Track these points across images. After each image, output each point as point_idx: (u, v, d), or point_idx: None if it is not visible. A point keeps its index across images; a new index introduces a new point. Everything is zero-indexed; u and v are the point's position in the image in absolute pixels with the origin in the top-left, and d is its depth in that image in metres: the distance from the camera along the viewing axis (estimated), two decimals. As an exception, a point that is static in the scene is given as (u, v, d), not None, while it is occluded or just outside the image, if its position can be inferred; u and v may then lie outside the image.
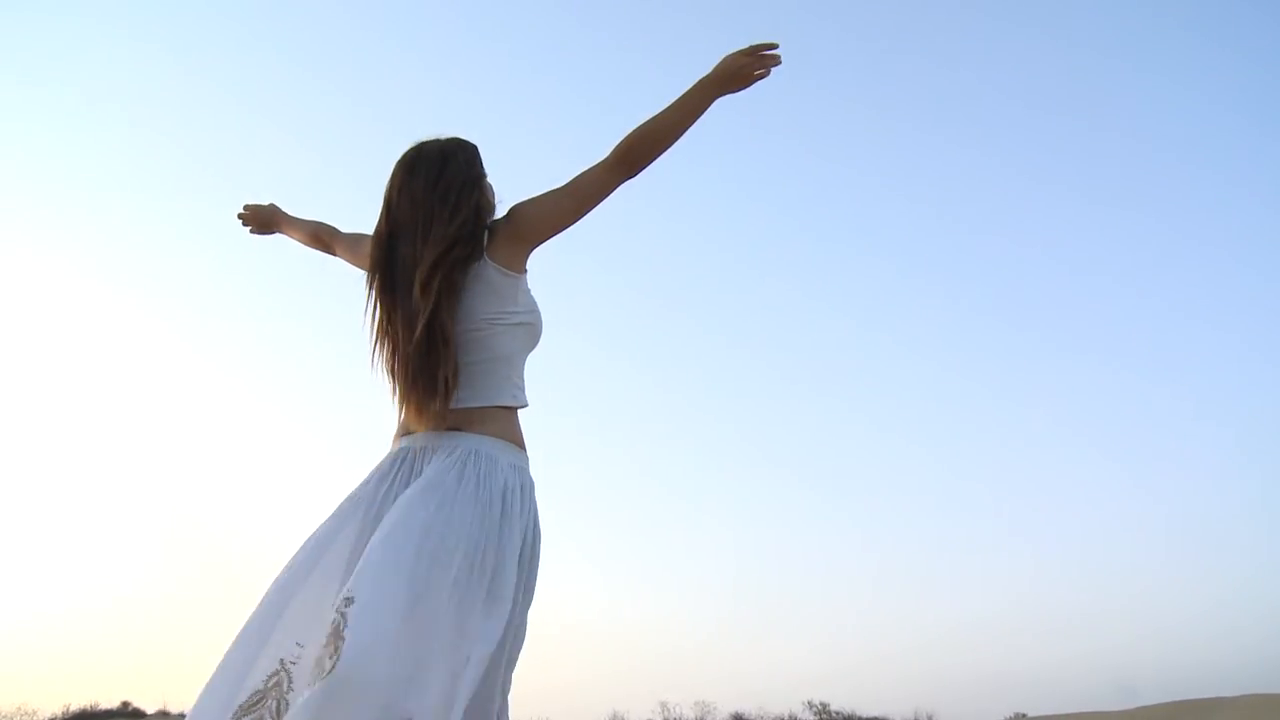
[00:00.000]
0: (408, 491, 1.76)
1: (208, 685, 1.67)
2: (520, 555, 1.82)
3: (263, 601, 1.74)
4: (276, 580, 1.77)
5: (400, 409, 1.87)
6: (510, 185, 2.01)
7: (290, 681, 1.64)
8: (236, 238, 2.54)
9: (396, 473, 1.84)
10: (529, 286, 1.95)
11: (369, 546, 1.67)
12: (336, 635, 1.55)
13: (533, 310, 1.94)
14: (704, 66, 2.00)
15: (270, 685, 1.64)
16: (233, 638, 1.71)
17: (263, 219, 2.53)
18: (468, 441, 1.83)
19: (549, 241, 1.94)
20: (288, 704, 1.62)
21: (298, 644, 1.67)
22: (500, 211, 1.97)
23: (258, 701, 1.63)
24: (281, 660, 1.66)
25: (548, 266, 2.01)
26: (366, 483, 1.86)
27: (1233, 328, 27.45)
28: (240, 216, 2.55)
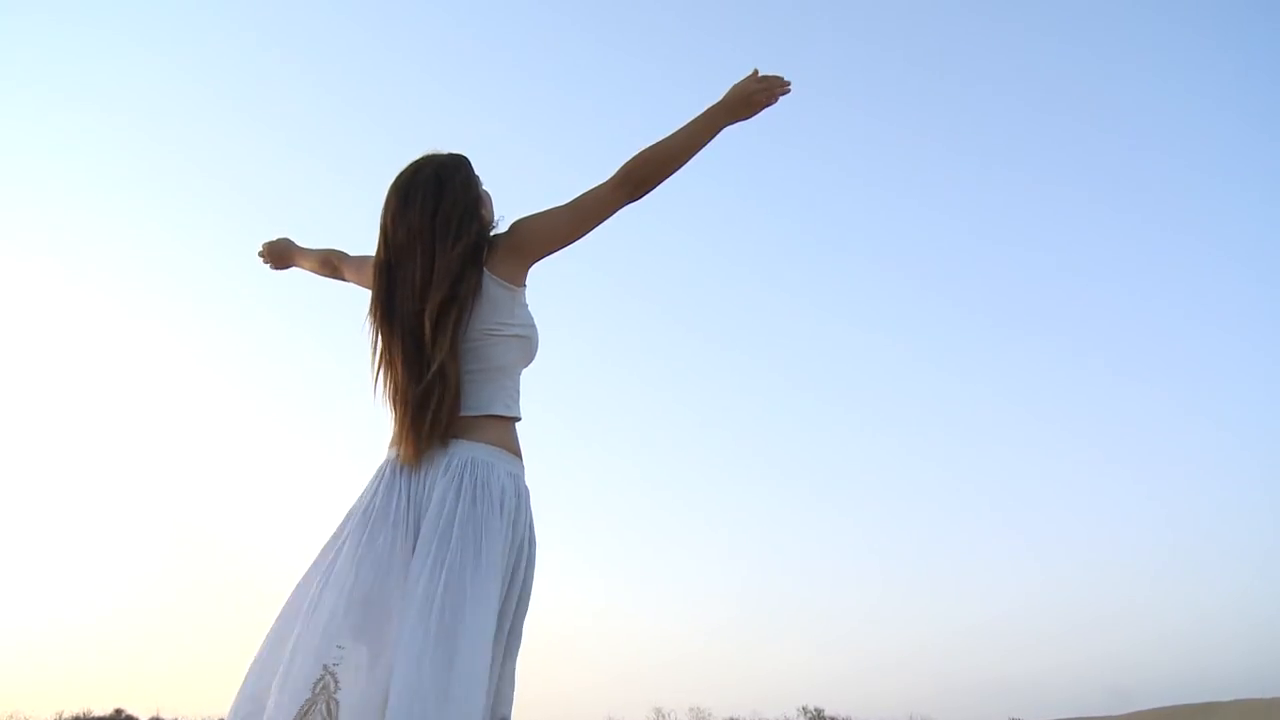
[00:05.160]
0: (422, 539, 1.78)
1: (250, 695, 1.73)
2: (517, 563, 1.85)
3: (281, 621, 1.80)
4: (291, 602, 1.82)
5: (400, 443, 1.87)
6: (516, 195, 2.02)
7: (336, 682, 1.69)
8: (252, 248, 2.59)
9: (399, 484, 1.86)
10: (527, 302, 1.97)
11: (403, 617, 1.70)
12: (383, 708, 1.64)
13: (529, 325, 1.95)
14: (715, 77, 2.03)
15: (318, 691, 1.68)
16: (256, 658, 1.77)
17: (278, 254, 2.56)
18: (464, 450, 1.85)
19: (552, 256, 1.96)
20: (338, 703, 1.67)
21: (339, 646, 1.71)
22: (503, 225, 1.98)
23: (309, 709, 1.66)
24: (325, 665, 1.69)
25: (560, 274, 2.02)
26: (373, 494, 1.87)
27: (1228, 331, 27.56)
28: (260, 255, 2.58)
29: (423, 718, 1.60)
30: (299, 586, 1.83)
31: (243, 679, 1.76)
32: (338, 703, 1.67)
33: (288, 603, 1.82)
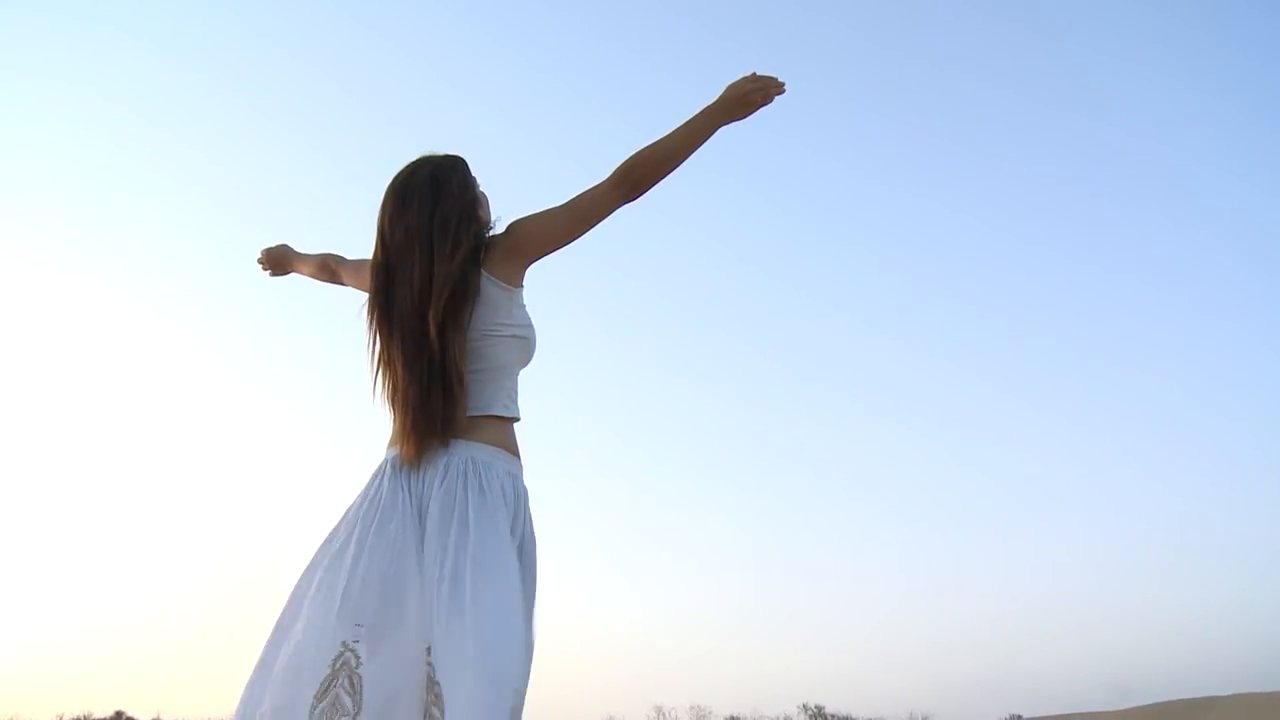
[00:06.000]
0: (430, 529, 1.79)
1: (261, 683, 1.72)
2: (520, 563, 1.84)
3: (289, 606, 1.80)
4: (300, 587, 1.82)
5: (400, 443, 1.88)
6: (515, 195, 2.01)
7: (358, 658, 1.70)
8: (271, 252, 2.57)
9: (400, 481, 1.86)
10: (524, 302, 1.98)
11: (436, 597, 1.72)
12: (433, 686, 1.67)
13: (527, 325, 1.96)
14: (716, 75, 2.03)
15: (338, 667, 1.70)
16: (268, 644, 1.78)
17: (276, 260, 2.55)
18: (463, 450, 1.86)
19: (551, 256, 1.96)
20: (361, 678, 1.68)
21: (357, 624, 1.73)
22: (499, 226, 1.99)
23: (330, 684, 1.68)
24: (344, 642, 1.71)
25: (567, 272, 2.03)
26: (376, 489, 1.88)
27: (1228, 329, 27.60)
28: (258, 261, 2.57)
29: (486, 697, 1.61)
30: (296, 588, 1.83)
31: (244, 688, 1.75)
32: (361, 678, 1.68)
33: (285, 608, 1.82)
